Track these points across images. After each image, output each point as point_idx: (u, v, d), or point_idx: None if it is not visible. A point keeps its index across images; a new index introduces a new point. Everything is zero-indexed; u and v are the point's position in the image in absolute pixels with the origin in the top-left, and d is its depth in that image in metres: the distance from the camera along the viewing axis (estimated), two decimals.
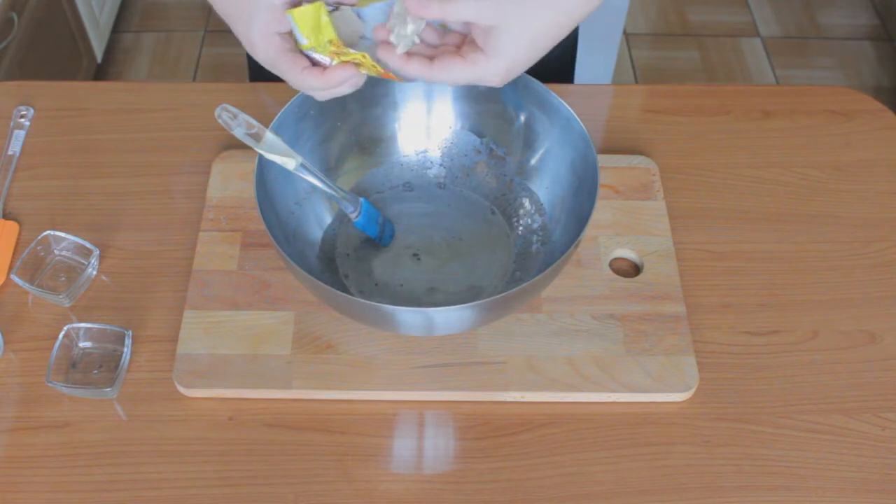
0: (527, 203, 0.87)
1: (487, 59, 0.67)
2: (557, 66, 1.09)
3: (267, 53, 0.69)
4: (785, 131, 1.00)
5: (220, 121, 0.73)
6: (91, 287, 0.86)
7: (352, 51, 0.68)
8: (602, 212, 0.90)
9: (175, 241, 0.89)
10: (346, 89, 0.71)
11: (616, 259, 0.88)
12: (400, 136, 0.90)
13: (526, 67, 0.69)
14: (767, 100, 1.03)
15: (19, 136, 0.97)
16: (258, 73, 1.13)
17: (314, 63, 0.69)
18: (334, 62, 0.68)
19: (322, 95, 0.72)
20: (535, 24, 0.67)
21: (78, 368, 0.81)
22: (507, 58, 0.67)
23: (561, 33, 0.69)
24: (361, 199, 0.83)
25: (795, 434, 0.78)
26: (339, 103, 0.86)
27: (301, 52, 0.69)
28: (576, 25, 0.70)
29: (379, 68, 0.69)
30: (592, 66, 2.01)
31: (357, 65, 0.69)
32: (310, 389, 0.79)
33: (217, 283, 0.85)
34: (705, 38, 2.46)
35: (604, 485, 0.75)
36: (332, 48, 0.68)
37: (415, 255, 0.86)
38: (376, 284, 0.84)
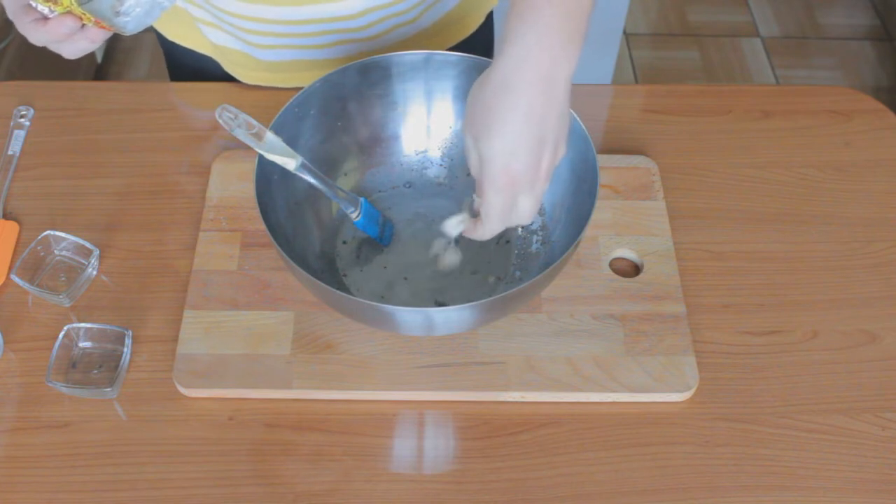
0: None
1: (481, 181, 0.67)
2: None
3: (7, 5, 0.72)
4: (785, 131, 1.00)
5: (220, 121, 0.73)
6: (91, 287, 0.86)
7: (65, 1, 0.69)
8: (602, 212, 0.90)
9: (175, 241, 0.89)
10: (85, 45, 0.73)
11: (616, 259, 0.88)
12: (400, 136, 0.90)
13: (526, 153, 0.65)
14: (767, 100, 1.03)
15: (19, 136, 0.97)
16: (175, 74, 1.13)
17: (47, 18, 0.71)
18: (55, 13, 0.70)
19: (65, 51, 0.73)
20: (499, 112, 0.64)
21: (78, 368, 0.81)
22: (496, 160, 0.65)
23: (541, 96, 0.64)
24: (361, 199, 0.83)
25: (795, 434, 0.78)
26: (339, 103, 0.86)
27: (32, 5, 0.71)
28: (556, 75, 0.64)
29: (90, 17, 0.70)
30: (592, 66, 2.01)
31: (80, 17, 0.70)
32: (310, 389, 0.79)
33: (217, 283, 0.85)
34: (705, 38, 2.46)
35: (604, 485, 0.75)
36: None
37: (415, 255, 0.86)
38: (376, 284, 0.84)
